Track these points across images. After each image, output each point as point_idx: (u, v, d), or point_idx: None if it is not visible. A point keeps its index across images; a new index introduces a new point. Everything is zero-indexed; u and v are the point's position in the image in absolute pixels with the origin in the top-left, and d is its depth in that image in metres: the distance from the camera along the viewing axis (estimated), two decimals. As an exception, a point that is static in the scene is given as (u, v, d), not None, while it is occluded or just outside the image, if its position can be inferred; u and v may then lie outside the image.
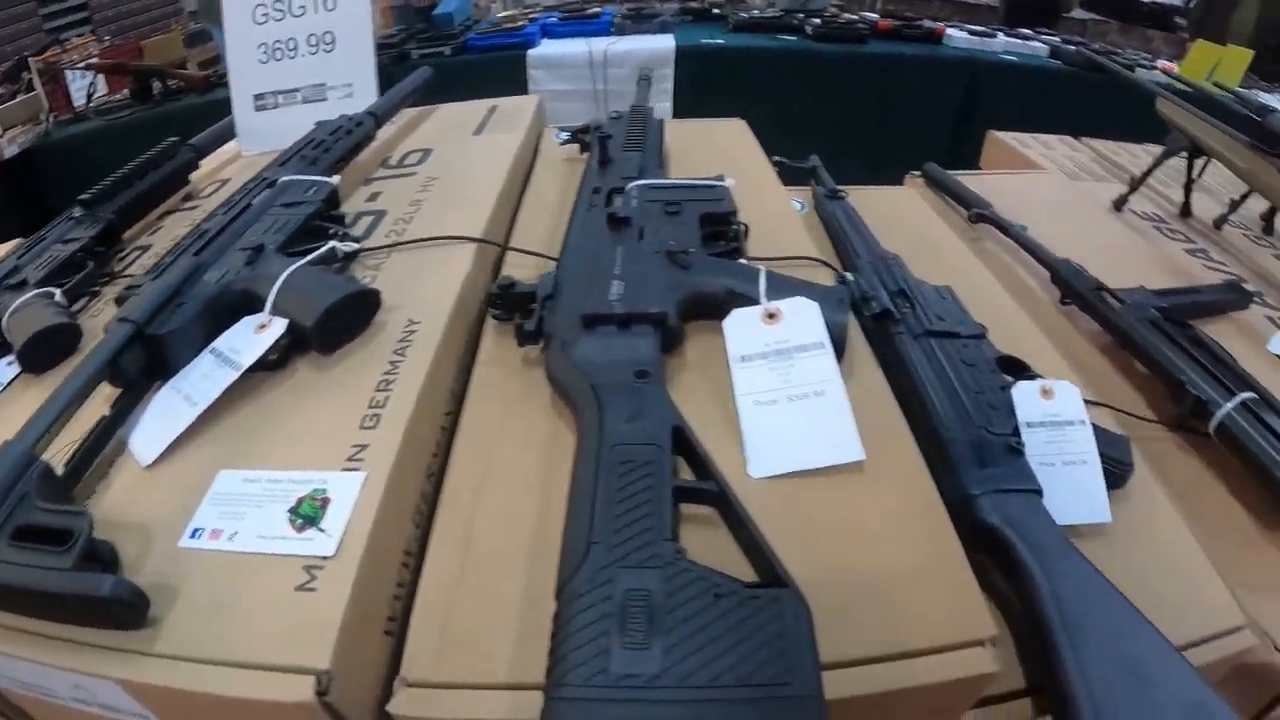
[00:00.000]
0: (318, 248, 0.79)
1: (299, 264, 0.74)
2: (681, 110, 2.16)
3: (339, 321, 0.69)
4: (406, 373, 0.65)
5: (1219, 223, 1.27)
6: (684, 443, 0.57)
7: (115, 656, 0.47)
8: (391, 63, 2.24)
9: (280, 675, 0.44)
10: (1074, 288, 1.00)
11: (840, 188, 1.19)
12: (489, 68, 2.20)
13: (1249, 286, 1.13)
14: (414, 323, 0.73)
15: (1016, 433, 0.75)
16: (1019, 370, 0.84)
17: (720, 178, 0.90)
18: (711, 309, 0.76)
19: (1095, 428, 0.77)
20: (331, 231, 0.85)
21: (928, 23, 2.37)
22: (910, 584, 0.54)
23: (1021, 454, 0.72)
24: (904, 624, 0.51)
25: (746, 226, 0.87)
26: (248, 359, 0.65)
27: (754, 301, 0.74)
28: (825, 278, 0.85)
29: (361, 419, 0.59)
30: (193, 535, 0.53)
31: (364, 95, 1.24)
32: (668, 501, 0.50)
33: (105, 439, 0.61)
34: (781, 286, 0.75)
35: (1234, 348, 0.98)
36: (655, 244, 0.81)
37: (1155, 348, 0.89)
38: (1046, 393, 0.78)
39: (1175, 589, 0.69)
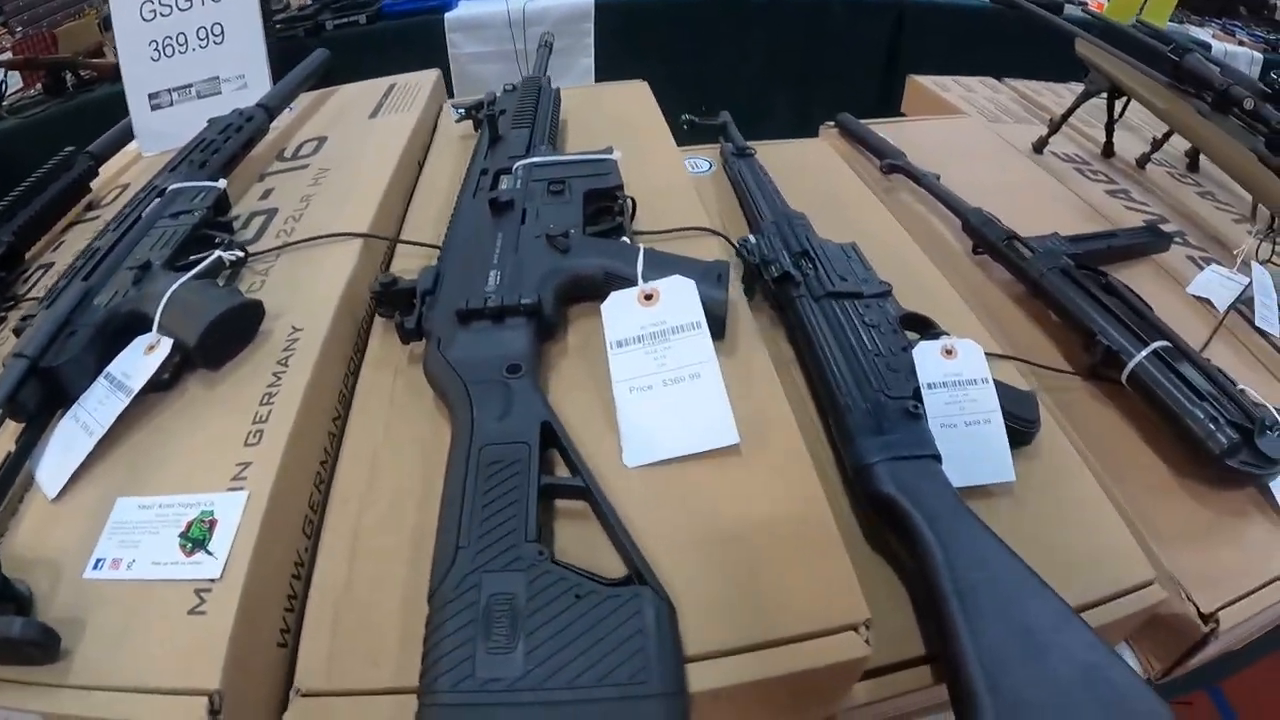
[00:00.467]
0: (205, 258, 0.76)
1: (183, 279, 0.71)
2: (604, 68, 2.09)
3: (222, 336, 0.67)
4: (288, 384, 0.64)
5: (1142, 162, 1.25)
6: (553, 438, 0.56)
7: (36, 691, 0.48)
8: (307, 35, 2.15)
9: (175, 698, 0.46)
10: (985, 237, 0.97)
11: (750, 145, 1.14)
12: (407, 35, 2.11)
13: (1170, 227, 1.11)
14: (297, 330, 0.70)
15: (917, 395, 0.72)
16: (925, 328, 0.81)
17: (609, 149, 0.86)
18: (592, 292, 0.72)
19: (1000, 385, 0.74)
20: (217, 240, 0.81)
21: None
22: (784, 571, 0.52)
23: (920, 418, 0.69)
24: (776, 611, 0.50)
25: (634, 201, 0.83)
26: (138, 383, 0.64)
27: (632, 282, 0.70)
28: (716, 249, 0.81)
29: (246, 436, 0.59)
30: (95, 566, 0.54)
31: (258, 85, 1.20)
32: (533, 501, 0.49)
33: (13, 475, 0.61)
34: (661, 265, 0.71)
35: (1153, 291, 0.97)
36: (537, 228, 0.77)
37: (1066, 297, 0.87)
38: (949, 352, 0.75)
39: (1085, 545, 0.67)
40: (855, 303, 0.82)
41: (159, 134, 1.22)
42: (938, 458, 0.66)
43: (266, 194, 0.97)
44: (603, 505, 0.52)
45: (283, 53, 2.13)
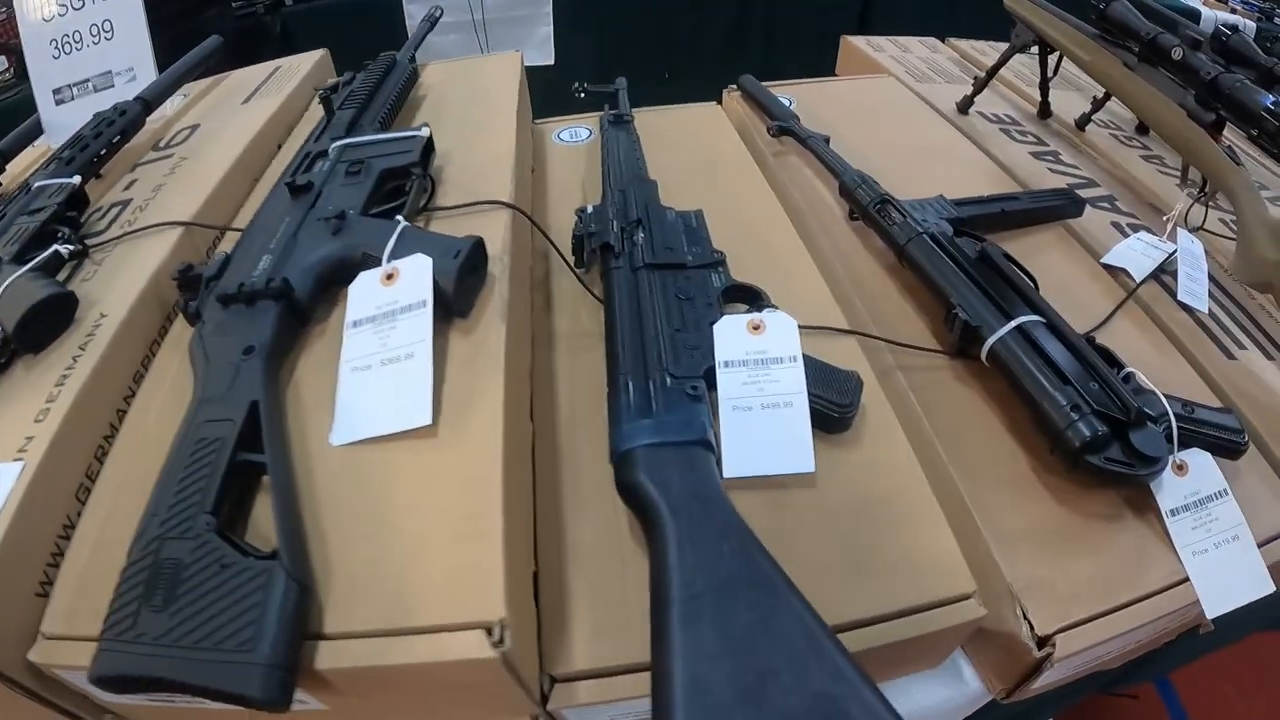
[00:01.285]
0: (43, 253, 0.76)
1: (19, 272, 0.72)
2: (564, 35, 1.99)
3: (40, 325, 0.68)
4: (81, 366, 0.66)
5: (1081, 123, 1.13)
6: (256, 417, 0.56)
7: None
8: (266, 12, 2.11)
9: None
10: (856, 200, 0.86)
11: (633, 111, 1.05)
12: (365, 9, 2.06)
13: (1100, 191, 0.99)
14: (103, 316, 0.71)
15: (709, 375, 0.62)
16: (752, 300, 0.71)
17: (421, 127, 0.81)
18: (354, 274, 0.67)
19: (815, 364, 0.64)
20: (59, 235, 0.81)
21: None
22: (432, 558, 0.49)
23: (699, 400, 0.60)
24: (413, 599, 0.47)
25: (432, 179, 0.79)
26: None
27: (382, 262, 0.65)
28: (503, 223, 0.73)
29: (36, 414, 0.62)
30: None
31: (145, 77, 1.22)
32: (219, 476, 0.51)
33: None
34: (415, 244, 0.65)
35: (1057, 260, 0.86)
36: (323, 210, 0.73)
37: (928, 265, 0.76)
38: (756, 327, 0.65)
39: (898, 547, 0.58)
40: (676, 274, 0.73)
41: (65, 128, 1.25)
42: (706, 444, 0.57)
43: (130, 184, 0.97)
44: (276, 481, 0.52)
45: (243, 32, 2.10)
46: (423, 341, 0.57)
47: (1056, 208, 0.90)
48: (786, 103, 1.11)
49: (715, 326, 0.66)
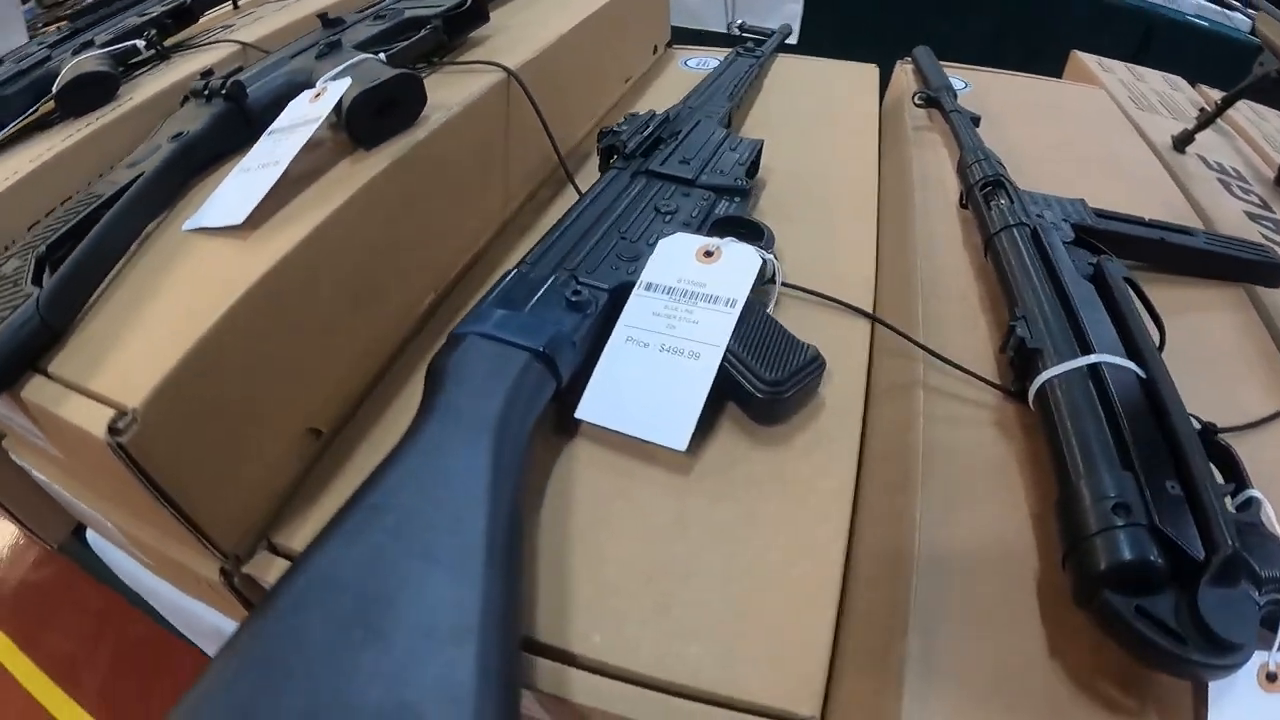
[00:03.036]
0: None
1: (90, 54, 0.66)
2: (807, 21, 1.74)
3: (83, 95, 0.63)
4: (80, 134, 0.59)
5: (1342, 201, 0.76)
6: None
7: None
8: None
9: None
10: (967, 178, 0.60)
11: (775, 54, 0.84)
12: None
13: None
14: (130, 99, 0.64)
15: (618, 292, 0.43)
16: (754, 239, 0.49)
17: None
18: None
19: (769, 326, 0.43)
20: (145, 34, 0.73)
21: None
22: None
23: (577, 310, 0.41)
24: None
25: (444, 33, 0.61)
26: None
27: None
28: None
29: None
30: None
31: None
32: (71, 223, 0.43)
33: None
34: (351, 69, 0.50)
35: (1220, 324, 0.55)
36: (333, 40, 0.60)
37: (1013, 262, 0.50)
38: (708, 254, 0.44)
39: (757, 609, 0.36)
40: (675, 188, 0.53)
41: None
42: (546, 360, 0.38)
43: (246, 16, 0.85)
44: (101, 240, 0.41)
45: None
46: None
47: (1243, 263, 0.58)
48: (959, 85, 0.84)
49: (660, 240, 0.45)
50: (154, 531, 0.41)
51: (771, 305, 0.48)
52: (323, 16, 0.61)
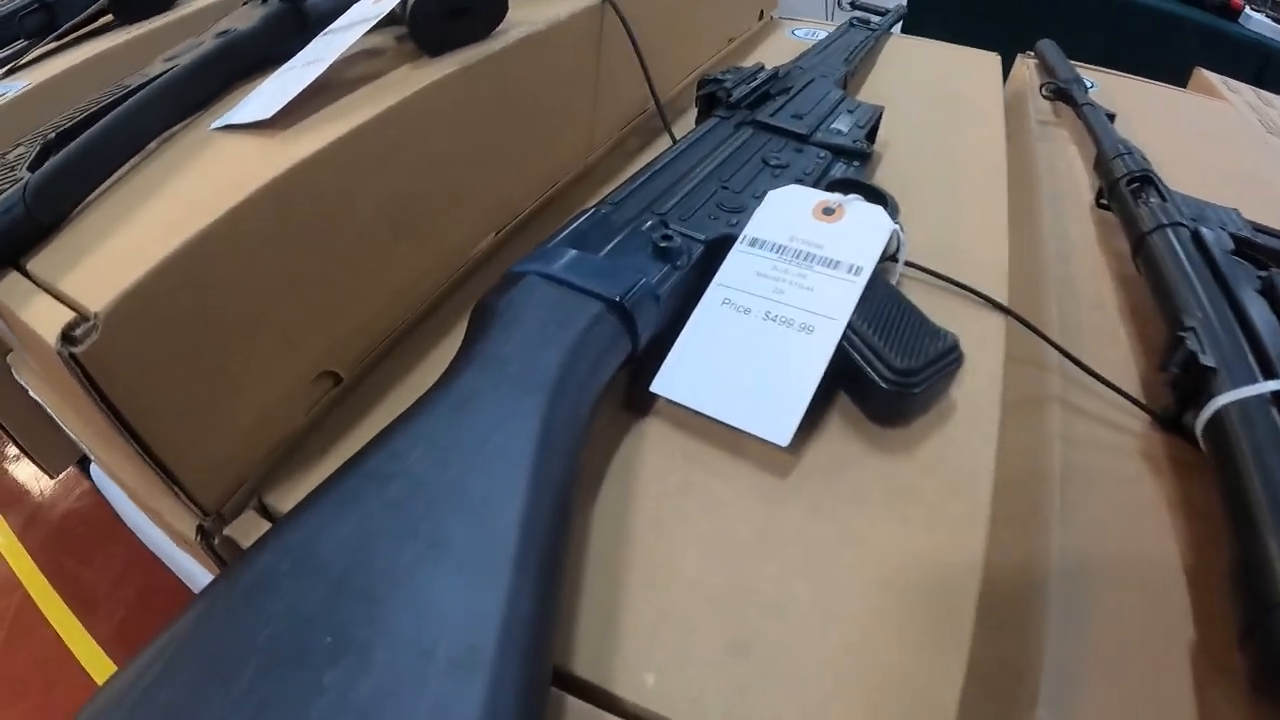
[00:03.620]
0: None
1: None
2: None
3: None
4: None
5: None
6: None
7: None
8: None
9: None
10: (1109, 171, 0.49)
11: (891, 31, 0.73)
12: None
13: None
14: None
15: (716, 244, 0.33)
16: (873, 195, 0.40)
17: None
18: None
19: (900, 303, 0.33)
20: None
21: None
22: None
23: (666, 257, 0.32)
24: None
25: None
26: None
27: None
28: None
29: None
30: None
31: None
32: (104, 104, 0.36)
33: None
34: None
35: None
36: None
37: (1173, 267, 0.39)
38: (829, 211, 0.34)
39: (856, 642, 0.26)
40: (784, 141, 0.43)
41: None
42: (621, 311, 0.30)
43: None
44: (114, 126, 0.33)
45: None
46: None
47: None
48: (1087, 84, 0.72)
49: (771, 192, 0.35)
50: (130, 470, 0.33)
51: (896, 279, 0.38)
52: None
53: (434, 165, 0.36)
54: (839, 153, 0.44)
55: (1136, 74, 1.49)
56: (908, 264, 0.39)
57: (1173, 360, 0.35)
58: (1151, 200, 0.45)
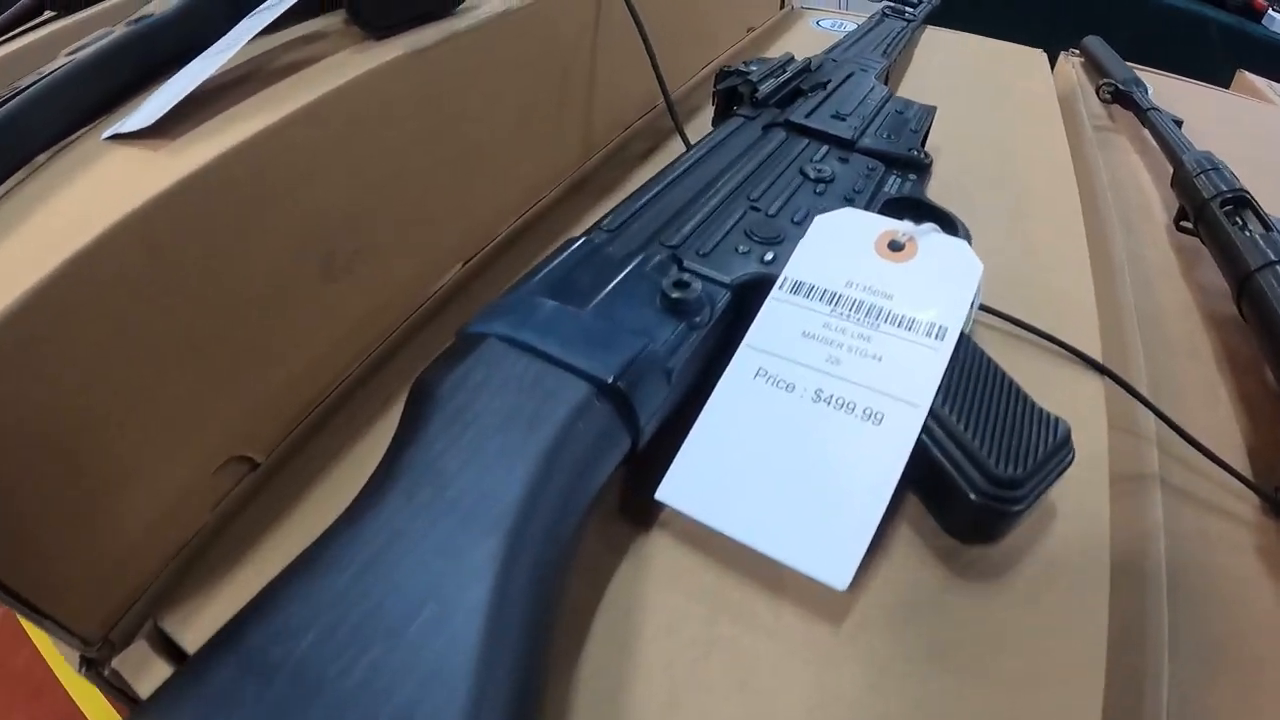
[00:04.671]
0: None
1: None
2: None
3: None
4: None
5: None
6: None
7: None
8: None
9: None
10: (1194, 191, 0.39)
11: (924, 22, 0.63)
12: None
13: None
14: None
15: (746, 289, 0.23)
16: (943, 222, 0.29)
17: None
18: None
19: (997, 377, 0.22)
20: None
21: None
22: None
23: (676, 314, 0.22)
24: None
25: None
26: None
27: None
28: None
29: None
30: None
31: None
32: None
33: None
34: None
35: None
36: None
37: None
38: (896, 246, 0.24)
39: None
40: (825, 148, 0.33)
41: None
42: (612, 394, 0.20)
43: None
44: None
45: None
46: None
47: None
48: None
49: (816, 216, 0.25)
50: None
51: (969, 325, 0.28)
52: None
53: (378, 176, 0.26)
54: (892, 163, 0.34)
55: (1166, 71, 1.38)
56: (985, 308, 0.29)
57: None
58: (1251, 227, 0.35)
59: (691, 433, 0.22)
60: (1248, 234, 0.35)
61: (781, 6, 0.65)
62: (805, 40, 0.63)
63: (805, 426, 0.21)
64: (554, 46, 0.34)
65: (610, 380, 0.20)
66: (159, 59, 0.31)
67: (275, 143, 0.22)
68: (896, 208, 0.31)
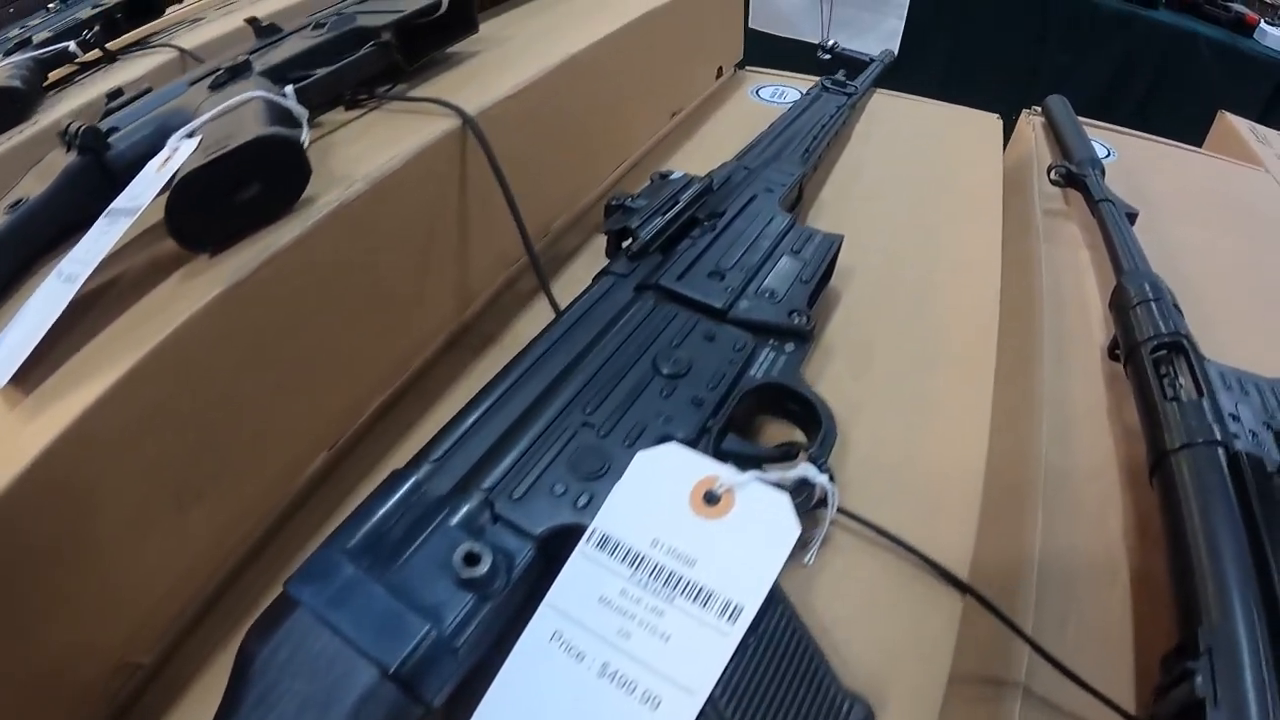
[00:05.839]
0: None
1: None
2: (911, 33, 1.49)
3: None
4: None
5: None
6: None
7: None
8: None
9: None
10: (1126, 324, 0.39)
11: (871, 89, 0.62)
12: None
13: None
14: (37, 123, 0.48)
15: (552, 542, 0.24)
16: (805, 426, 0.30)
17: None
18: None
19: (800, 652, 0.23)
20: (85, 32, 0.59)
21: (1240, 7, 1.47)
22: None
23: (476, 589, 0.23)
24: None
25: (399, 53, 0.41)
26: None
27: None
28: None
29: None
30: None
31: None
32: None
33: None
34: (228, 124, 0.31)
35: None
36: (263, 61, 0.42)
37: (1198, 517, 0.29)
38: (712, 499, 0.24)
39: None
40: (694, 319, 0.33)
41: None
42: (397, 681, 0.21)
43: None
44: None
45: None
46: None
47: None
48: (1102, 152, 0.61)
49: (640, 454, 0.25)
50: None
51: (815, 546, 0.28)
52: (254, 21, 0.42)
53: (225, 400, 0.27)
54: (768, 333, 0.34)
55: (1152, 93, 1.37)
56: (843, 512, 0.29)
57: (1169, 697, 0.25)
58: (1181, 385, 0.35)
59: (486, 697, 0.22)
60: (1173, 400, 0.34)
61: (719, 75, 0.65)
62: (741, 114, 0.62)
63: (588, 703, 0.22)
64: (410, 215, 0.34)
65: (392, 670, 0.21)
66: (41, 243, 0.32)
67: (101, 416, 0.23)
68: (758, 396, 0.31)
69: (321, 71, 0.37)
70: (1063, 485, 0.35)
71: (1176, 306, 0.39)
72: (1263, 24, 1.40)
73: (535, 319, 0.38)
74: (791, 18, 1.59)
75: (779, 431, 0.33)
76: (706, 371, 0.31)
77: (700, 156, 0.56)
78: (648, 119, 0.56)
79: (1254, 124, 0.75)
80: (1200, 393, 0.34)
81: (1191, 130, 1.26)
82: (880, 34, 1.56)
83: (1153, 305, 0.39)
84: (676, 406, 0.30)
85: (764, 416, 0.34)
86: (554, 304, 0.37)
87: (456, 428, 0.28)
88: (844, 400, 0.35)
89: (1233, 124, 0.75)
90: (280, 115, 0.32)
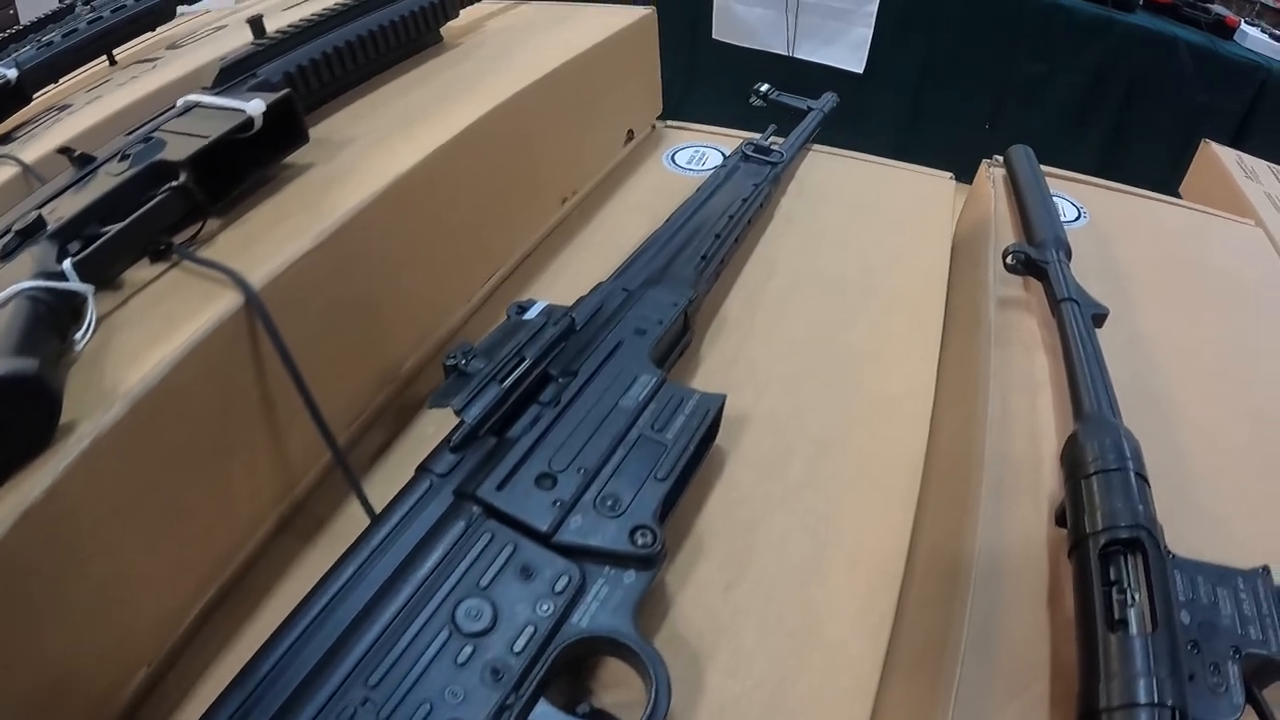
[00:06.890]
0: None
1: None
2: (879, 44, 1.44)
3: None
4: None
5: None
6: None
7: None
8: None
9: None
10: (1076, 507, 0.33)
11: (806, 147, 0.56)
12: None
13: None
14: None
15: None
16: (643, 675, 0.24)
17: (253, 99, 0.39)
18: None
19: None
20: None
21: (1219, 9, 1.44)
22: None
23: None
24: None
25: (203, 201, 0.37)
26: None
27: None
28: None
29: None
30: None
31: None
32: None
33: None
34: None
35: None
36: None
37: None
38: None
39: None
40: (512, 545, 0.28)
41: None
42: None
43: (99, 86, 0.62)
44: None
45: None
46: None
47: None
48: (1071, 213, 0.55)
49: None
50: None
51: None
52: (68, 151, 0.37)
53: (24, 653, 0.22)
54: (604, 559, 0.28)
55: (1133, 99, 1.32)
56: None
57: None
58: (1133, 602, 0.29)
59: None
60: (1118, 630, 0.28)
61: (629, 139, 0.59)
62: (651, 188, 0.56)
63: None
64: (195, 423, 0.29)
65: None
66: None
67: None
68: (580, 651, 0.26)
69: (114, 229, 0.31)
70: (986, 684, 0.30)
71: (1142, 475, 0.33)
72: (1243, 24, 1.36)
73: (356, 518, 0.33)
74: (756, 28, 1.52)
75: (618, 670, 0.28)
76: (515, 624, 0.26)
77: (596, 247, 0.50)
78: (532, 213, 0.49)
79: (1240, 154, 0.69)
80: (1156, 622, 0.27)
81: (1171, 142, 1.21)
82: (849, 42, 1.51)
83: (1113, 478, 0.33)
84: (471, 680, 0.24)
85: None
86: (368, 509, 0.31)
87: (244, 685, 0.23)
88: (710, 618, 0.30)
89: (1218, 156, 0.69)
90: (43, 316, 0.27)
